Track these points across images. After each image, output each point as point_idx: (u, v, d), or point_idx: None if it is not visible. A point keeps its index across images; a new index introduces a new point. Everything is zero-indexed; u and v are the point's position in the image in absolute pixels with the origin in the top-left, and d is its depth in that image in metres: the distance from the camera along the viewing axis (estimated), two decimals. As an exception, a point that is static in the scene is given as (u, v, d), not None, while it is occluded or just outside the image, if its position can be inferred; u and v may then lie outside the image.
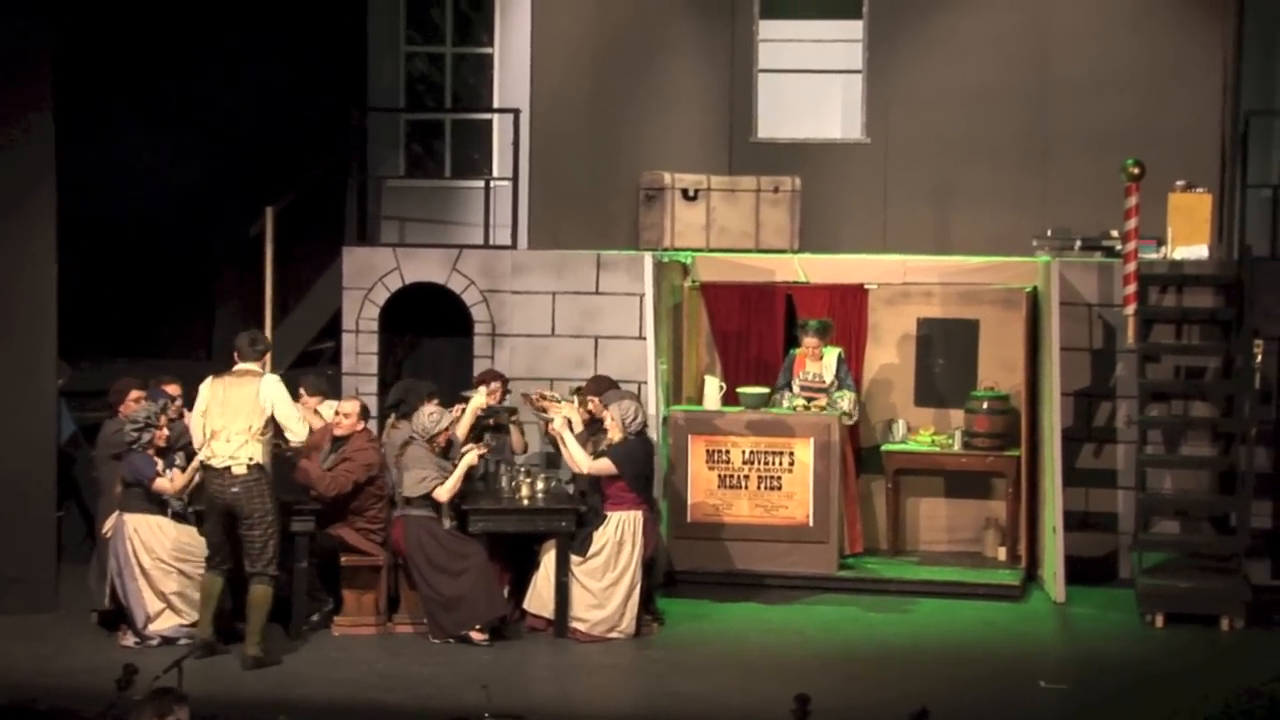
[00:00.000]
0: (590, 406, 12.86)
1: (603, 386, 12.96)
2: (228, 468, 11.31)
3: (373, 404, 14.69)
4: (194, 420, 11.60)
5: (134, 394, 12.31)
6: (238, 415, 11.36)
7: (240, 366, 11.62)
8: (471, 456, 12.27)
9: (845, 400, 13.99)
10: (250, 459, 11.33)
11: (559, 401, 12.69)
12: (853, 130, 16.08)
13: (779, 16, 16.11)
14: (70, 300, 13.19)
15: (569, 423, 12.36)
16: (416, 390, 12.67)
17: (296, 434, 11.59)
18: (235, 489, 11.30)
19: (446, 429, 12.28)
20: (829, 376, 14.05)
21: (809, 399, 13.99)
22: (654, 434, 13.49)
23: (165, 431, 11.93)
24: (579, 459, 12.21)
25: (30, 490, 12.69)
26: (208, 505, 11.53)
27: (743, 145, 16.04)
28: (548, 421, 12.62)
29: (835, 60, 16.14)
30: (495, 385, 13.28)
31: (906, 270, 14.70)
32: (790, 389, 14.07)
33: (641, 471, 12.29)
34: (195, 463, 11.71)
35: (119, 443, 12.00)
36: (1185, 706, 10.82)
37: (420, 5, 16.25)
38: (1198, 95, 15.37)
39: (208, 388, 11.53)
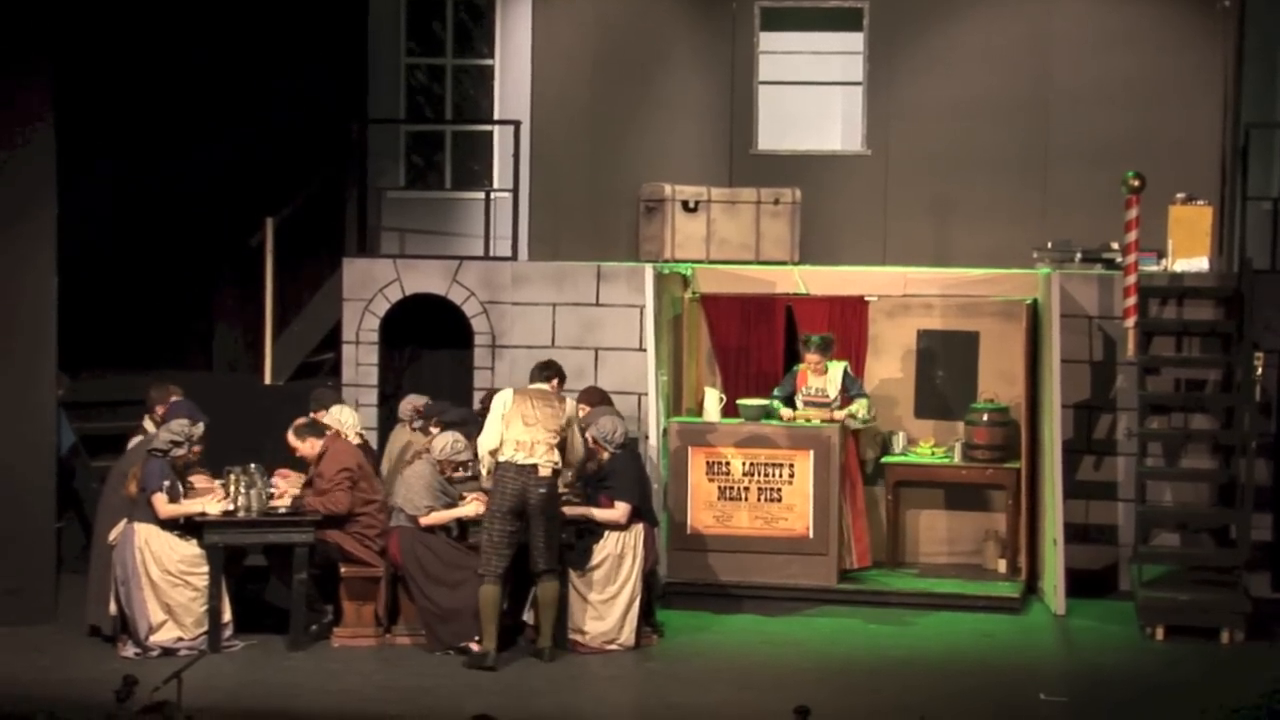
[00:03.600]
0: (582, 415, 12.91)
1: (594, 399, 12.99)
2: (534, 466, 11.78)
3: (372, 415, 14.71)
4: (491, 423, 11.97)
5: (178, 424, 12.13)
6: (546, 428, 11.87)
7: (535, 386, 12.24)
8: (470, 509, 12.26)
9: (862, 408, 13.98)
10: (553, 464, 11.86)
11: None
12: (853, 143, 16.11)
13: (780, 29, 16.13)
14: (70, 311, 13.18)
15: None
16: (458, 416, 12.87)
17: (573, 460, 12.20)
18: (542, 489, 11.80)
19: (464, 463, 12.29)
20: (833, 391, 14.00)
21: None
22: (654, 446, 13.49)
23: (193, 457, 12.04)
24: (609, 519, 12.26)
25: (30, 501, 12.67)
26: (500, 510, 11.76)
27: (743, 157, 16.06)
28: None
29: (836, 73, 16.17)
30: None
31: (907, 282, 14.69)
32: (788, 402, 14.02)
33: (636, 482, 12.30)
34: (190, 505, 11.82)
35: (141, 459, 11.98)
36: (1185, 719, 10.82)
37: (421, 17, 16.26)
38: (1198, 108, 15.40)
39: (510, 397, 12.01)
